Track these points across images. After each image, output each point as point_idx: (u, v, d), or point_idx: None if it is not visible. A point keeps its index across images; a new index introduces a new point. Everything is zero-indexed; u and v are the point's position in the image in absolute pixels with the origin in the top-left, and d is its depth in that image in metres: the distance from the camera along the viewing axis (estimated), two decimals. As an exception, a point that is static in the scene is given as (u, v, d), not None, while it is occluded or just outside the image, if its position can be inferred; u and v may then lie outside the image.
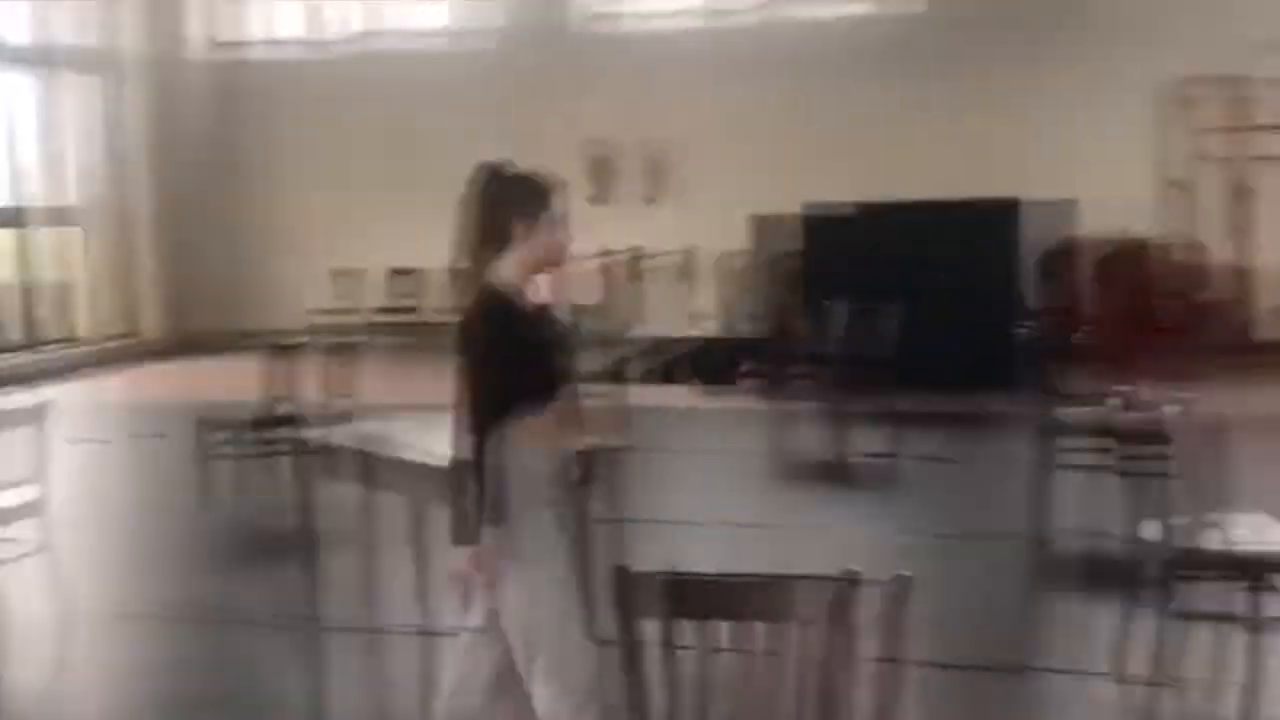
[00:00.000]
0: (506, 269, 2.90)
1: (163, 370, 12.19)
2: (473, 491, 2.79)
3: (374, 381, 6.37)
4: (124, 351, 12.76)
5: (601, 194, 12.56)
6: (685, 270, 11.97)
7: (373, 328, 12.97)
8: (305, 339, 7.04)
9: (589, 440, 3.39)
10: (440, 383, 3.12)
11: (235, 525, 6.22)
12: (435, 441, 3.31)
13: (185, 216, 13.74)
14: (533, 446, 2.83)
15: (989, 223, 9.17)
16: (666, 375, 10.52)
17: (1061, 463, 5.48)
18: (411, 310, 12.88)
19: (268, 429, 6.38)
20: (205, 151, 13.65)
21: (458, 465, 2.87)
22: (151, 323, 13.40)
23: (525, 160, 2.99)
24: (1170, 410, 3.62)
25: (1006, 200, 9.24)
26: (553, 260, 2.99)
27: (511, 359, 2.83)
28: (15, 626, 4.56)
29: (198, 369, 12.05)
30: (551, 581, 2.87)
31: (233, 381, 7.99)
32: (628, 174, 12.61)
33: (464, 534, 2.84)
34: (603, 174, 12.57)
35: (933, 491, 6.55)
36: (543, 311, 3.02)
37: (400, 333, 12.85)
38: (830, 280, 8.84)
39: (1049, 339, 9.10)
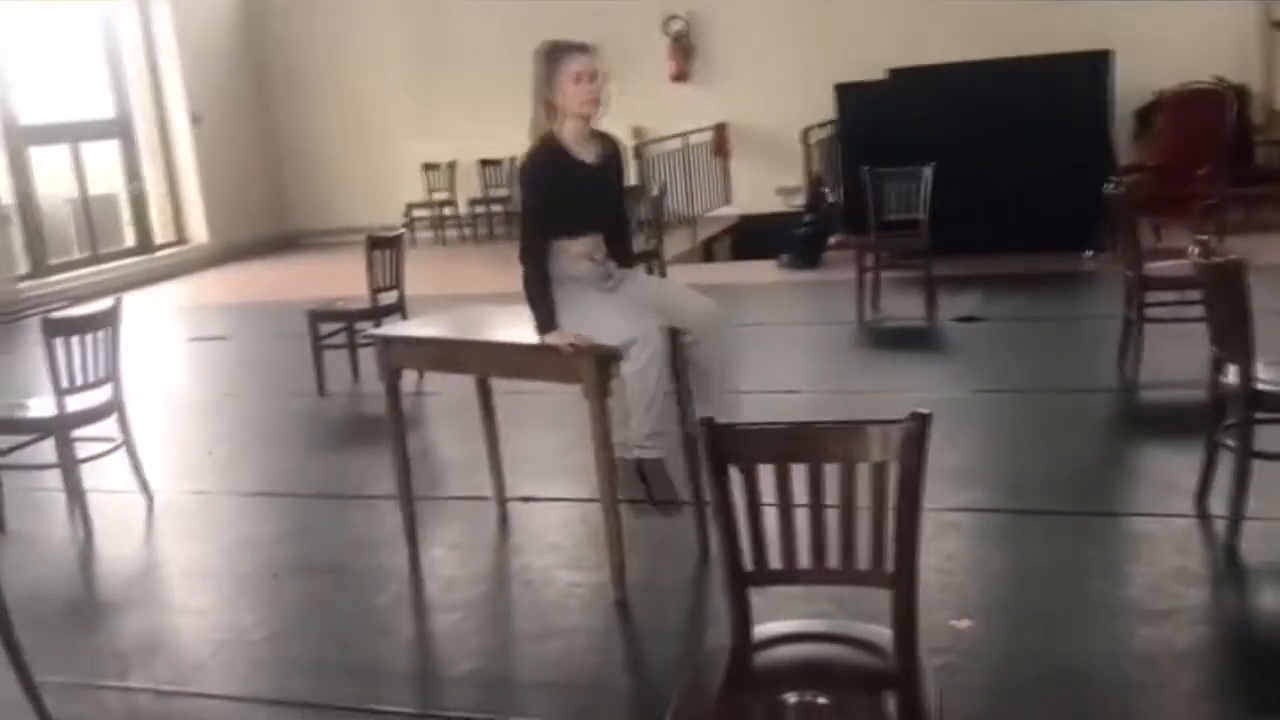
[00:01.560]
0: (563, 130, 3.63)
1: (267, 269, 12.64)
2: (540, 298, 3.61)
3: (468, 268, 6.59)
4: (231, 251, 13.24)
5: (683, 71, 12.52)
6: (773, 144, 11.90)
7: (468, 219, 13.27)
8: (401, 230, 7.27)
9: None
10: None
11: (344, 410, 6.64)
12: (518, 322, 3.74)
13: (280, 125, 14.12)
14: (573, 265, 3.67)
15: (1080, 76, 8.93)
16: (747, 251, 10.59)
17: (1149, 316, 5.52)
18: (505, 200, 13.06)
19: (373, 319, 6.71)
20: (283, 57, 13.88)
21: (528, 279, 3.66)
22: (259, 224, 13.82)
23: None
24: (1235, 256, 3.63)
25: (1098, 53, 8.98)
26: (583, 109, 3.63)
27: (547, 196, 3.61)
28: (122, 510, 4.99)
29: (304, 266, 12.49)
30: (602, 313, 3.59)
31: (342, 275, 8.35)
32: (704, 51, 12.51)
33: (543, 326, 3.62)
34: (683, 51, 12.49)
35: (1021, 351, 6.59)
36: (584, 164, 3.67)
37: (495, 222, 13.13)
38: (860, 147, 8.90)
39: (1140, 194, 8.96)
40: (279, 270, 12.55)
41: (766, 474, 2.35)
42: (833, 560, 2.38)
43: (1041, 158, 8.79)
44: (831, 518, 2.33)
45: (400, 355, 4.10)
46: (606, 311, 3.63)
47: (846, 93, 9.97)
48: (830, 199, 9.87)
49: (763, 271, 9.71)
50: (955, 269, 7.97)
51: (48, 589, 4.26)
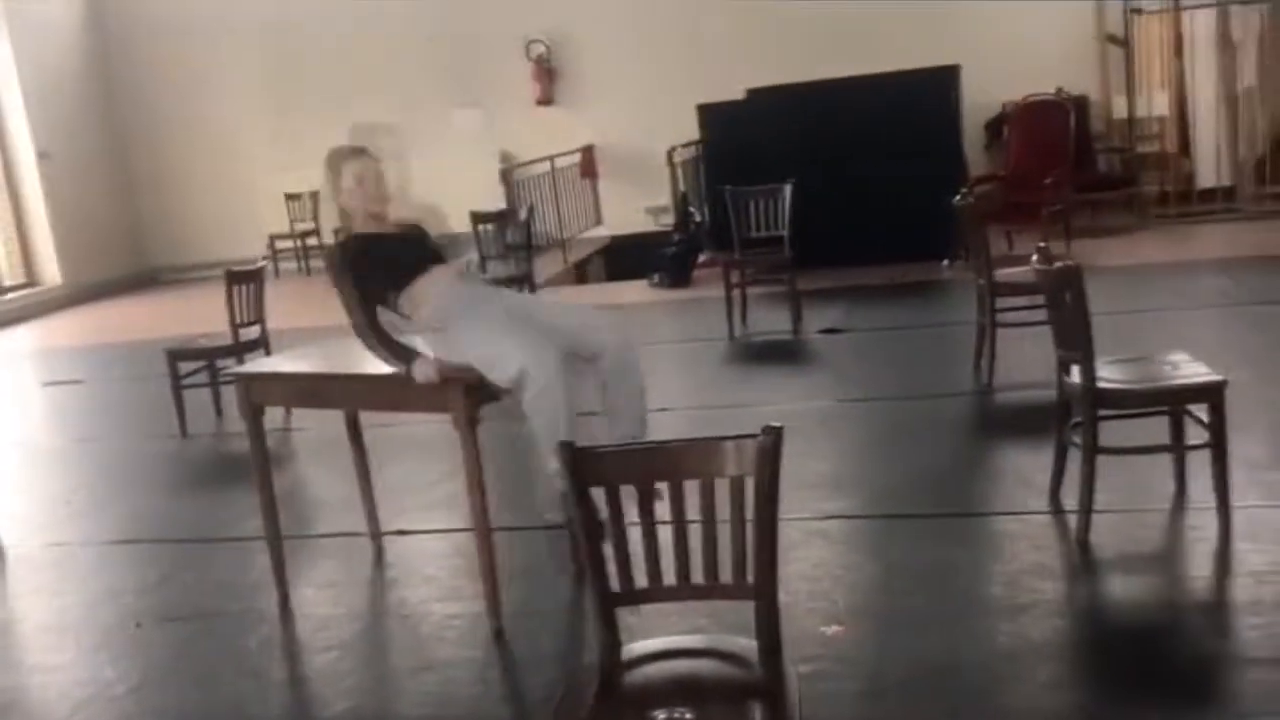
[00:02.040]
0: (360, 228, 3.85)
1: (123, 307, 12.22)
2: (387, 346, 3.67)
3: (333, 299, 6.48)
4: (85, 291, 12.77)
5: (547, 94, 12.57)
6: (640, 165, 12.02)
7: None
8: (262, 264, 7.12)
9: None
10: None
11: (207, 451, 6.46)
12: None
13: (134, 159, 13.71)
14: (414, 314, 3.75)
15: (930, 90, 9.25)
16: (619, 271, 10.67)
17: (1001, 321, 5.74)
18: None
19: (235, 355, 6.55)
20: (134, 89, 13.50)
21: (370, 346, 3.72)
22: (114, 262, 13.36)
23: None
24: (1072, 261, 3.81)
25: (946, 68, 9.32)
26: (359, 210, 3.84)
27: (360, 278, 3.75)
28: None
29: (162, 304, 12.12)
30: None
31: (203, 311, 8.13)
32: (567, 74, 12.59)
33: (404, 363, 3.61)
34: (546, 74, 12.54)
35: (883, 359, 6.78)
36: (388, 235, 3.85)
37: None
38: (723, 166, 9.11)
39: (990, 203, 9.31)
40: (137, 309, 12.15)
41: (629, 493, 2.38)
42: (697, 575, 2.42)
43: (897, 171, 9.07)
44: (694, 534, 2.37)
45: (263, 392, 4.02)
46: (491, 337, 3.57)
47: (708, 112, 10.13)
48: (697, 218, 10.01)
49: (635, 291, 9.79)
50: (819, 282, 8.17)
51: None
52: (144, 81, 13.51)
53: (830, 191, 8.66)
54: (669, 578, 2.42)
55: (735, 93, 9.91)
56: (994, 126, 10.96)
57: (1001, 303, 5.76)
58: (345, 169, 3.84)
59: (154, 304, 12.30)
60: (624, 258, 11.94)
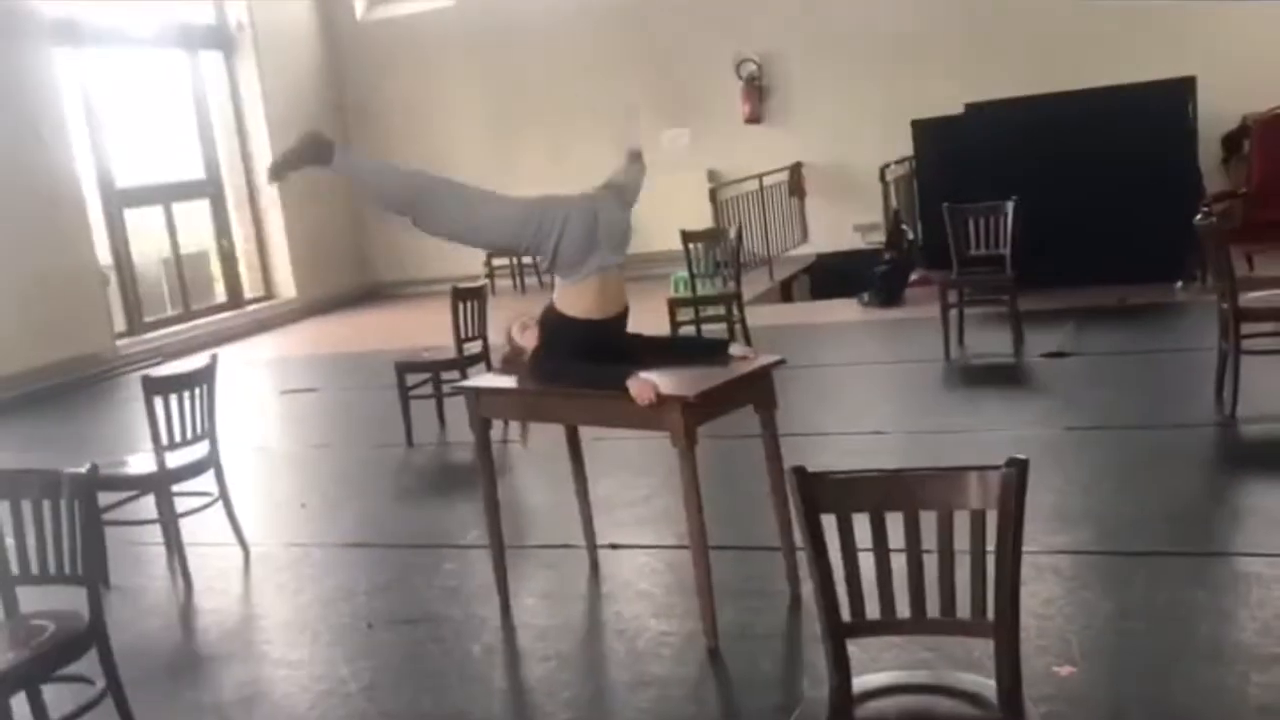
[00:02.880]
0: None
1: (352, 320, 12.88)
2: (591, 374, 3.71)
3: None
4: (317, 304, 13.53)
5: (756, 113, 12.57)
6: (849, 182, 11.89)
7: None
8: (484, 282, 7.37)
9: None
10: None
11: (432, 459, 6.73)
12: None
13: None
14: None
15: (1163, 104, 8.78)
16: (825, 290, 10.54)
17: (1246, 348, 5.38)
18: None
19: (459, 369, 6.81)
20: (364, 113, 14.23)
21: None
22: (343, 277, 14.12)
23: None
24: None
25: (1181, 80, 8.83)
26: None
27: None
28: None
29: (386, 317, 12.73)
30: None
31: (425, 325, 8.48)
32: (777, 92, 12.56)
33: (617, 384, 3.62)
34: (756, 93, 12.55)
35: (1113, 386, 6.44)
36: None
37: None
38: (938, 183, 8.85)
39: (1231, 223, 8.76)
40: (363, 321, 12.79)
41: (860, 521, 2.34)
42: (932, 609, 2.35)
43: (1126, 188, 8.66)
44: (929, 566, 2.31)
45: (490, 405, 4.15)
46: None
47: (923, 129, 9.93)
48: (910, 235, 9.80)
49: (844, 310, 9.66)
50: (1041, 303, 7.86)
51: (150, 642, 4.37)
52: (373, 107, 14.23)
53: (1054, 209, 8.33)
54: (901, 610, 2.37)
55: (951, 108, 9.69)
56: (1232, 141, 10.31)
57: (1247, 328, 5.40)
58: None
59: (379, 317, 12.92)
60: (830, 276, 11.81)
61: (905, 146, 10.30)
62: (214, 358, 5.16)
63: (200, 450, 5.05)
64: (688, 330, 8.07)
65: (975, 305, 7.69)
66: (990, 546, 2.26)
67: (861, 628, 2.39)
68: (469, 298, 6.96)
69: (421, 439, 6.88)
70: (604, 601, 4.36)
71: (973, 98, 9.63)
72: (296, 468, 7.01)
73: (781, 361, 3.91)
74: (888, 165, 10.43)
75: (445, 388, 6.93)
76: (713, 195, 10.82)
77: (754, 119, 12.56)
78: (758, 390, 3.84)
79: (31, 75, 10.68)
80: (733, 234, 8.19)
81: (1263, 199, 8.49)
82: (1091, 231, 8.71)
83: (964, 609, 2.31)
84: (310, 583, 4.90)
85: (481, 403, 4.15)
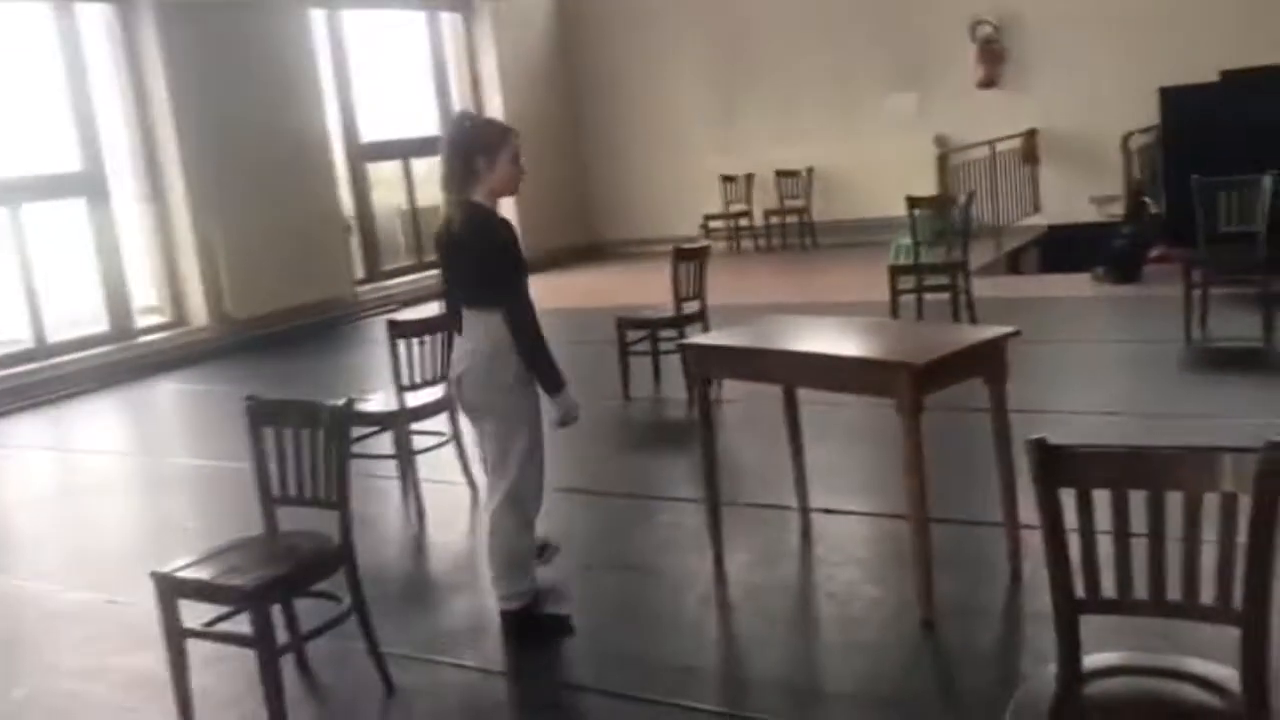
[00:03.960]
0: (477, 194, 3.69)
1: (574, 276, 13.23)
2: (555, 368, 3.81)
3: (762, 280, 6.65)
4: (542, 259, 13.95)
5: (990, 76, 12.15)
6: (1087, 151, 11.36)
7: (762, 230, 13.40)
8: (706, 244, 7.44)
9: None
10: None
11: (647, 414, 6.87)
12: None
13: (589, 139, 14.78)
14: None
15: None
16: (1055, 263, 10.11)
17: None
18: (800, 210, 13.12)
19: (676, 328, 6.93)
20: (593, 72, 14.48)
21: (542, 343, 3.79)
22: (568, 233, 14.49)
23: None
24: None
25: None
26: (507, 190, 3.78)
27: (516, 253, 3.69)
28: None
29: (607, 275, 13.00)
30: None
31: (642, 284, 8.63)
32: (1014, 55, 12.08)
33: (559, 385, 3.84)
34: (991, 56, 12.11)
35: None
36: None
37: (789, 232, 13.22)
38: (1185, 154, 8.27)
39: None
40: (586, 279, 13.10)
41: (1099, 499, 2.27)
42: (1173, 592, 2.27)
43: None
44: (1172, 548, 2.22)
45: (710, 363, 4.21)
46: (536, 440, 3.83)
47: (1172, 96, 9.39)
48: (1152, 209, 9.30)
49: (1076, 284, 9.26)
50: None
51: (387, 569, 4.66)
52: (602, 67, 14.49)
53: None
54: (1139, 591, 2.30)
55: (1203, 75, 9.12)
56: None
57: None
58: (507, 145, 3.73)
59: (600, 275, 13.21)
60: (1062, 248, 11.35)
61: (1150, 115, 9.77)
62: (452, 305, 5.41)
63: (436, 392, 5.33)
64: (909, 299, 7.91)
65: (1222, 285, 7.23)
66: (1240, 533, 2.17)
67: (1095, 605, 2.32)
68: (690, 258, 7.04)
69: (637, 393, 7.03)
70: (816, 564, 4.38)
71: (1228, 64, 9.03)
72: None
73: (1016, 333, 3.81)
74: (1130, 134, 9.92)
75: (662, 345, 7.05)
76: (941, 161, 10.55)
77: (987, 83, 12.15)
78: (988, 362, 3.76)
79: (290, 35, 11.37)
80: (963, 200, 7.95)
81: None
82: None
83: (1210, 595, 2.23)
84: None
85: (702, 360, 4.21)
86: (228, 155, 10.50)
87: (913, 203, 8.10)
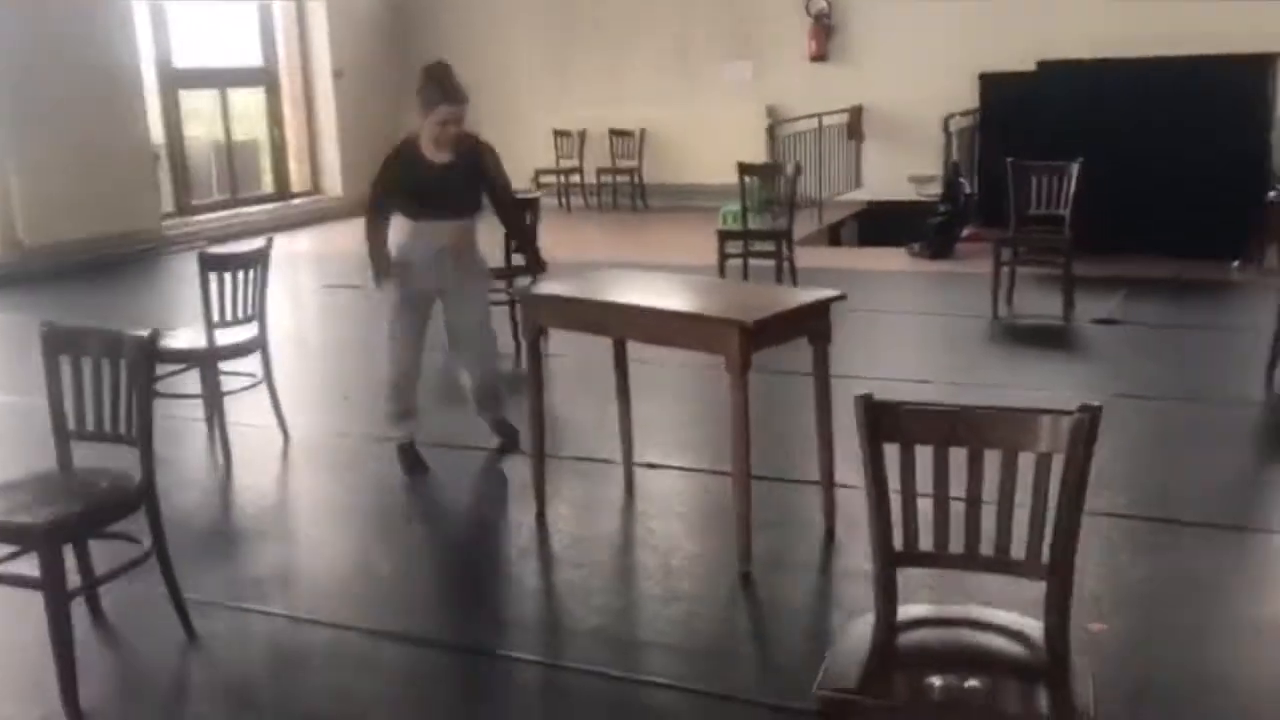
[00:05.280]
0: (421, 138, 4.65)
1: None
2: (374, 251, 4.80)
3: (593, 235, 6.60)
4: (362, 205, 13.51)
5: (821, 51, 12.38)
6: (909, 130, 11.71)
7: (593, 188, 13.35)
8: (538, 194, 7.34)
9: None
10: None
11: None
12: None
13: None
14: (409, 240, 4.75)
15: (1242, 79, 8.60)
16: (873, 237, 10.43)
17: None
18: (631, 170, 13.11)
19: (506, 279, 6.80)
20: (423, 21, 14.10)
21: (367, 233, 4.84)
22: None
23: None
24: None
25: (1264, 56, 8.62)
26: (432, 144, 4.64)
27: (391, 179, 4.68)
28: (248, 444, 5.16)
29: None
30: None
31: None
32: (845, 31, 12.35)
33: (376, 276, 4.78)
34: (823, 31, 12.34)
35: (1163, 358, 6.38)
36: (431, 163, 4.65)
37: (620, 192, 13.21)
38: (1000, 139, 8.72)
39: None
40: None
41: (921, 455, 2.33)
42: (986, 547, 2.35)
43: (1194, 162, 8.52)
44: (986, 510, 2.30)
45: (547, 314, 4.15)
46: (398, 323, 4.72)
47: (992, 83, 9.76)
48: (967, 189, 9.68)
49: (893, 259, 9.58)
50: (1095, 269, 7.76)
51: (189, 512, 4.43)
52: (435, 16, 14.08)
53: (1118, 176, 8.19)
54: (955, 545, 2.37)
55: (1021, 63, 9.49)
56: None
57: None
58: (440, 108, 4.57)
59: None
60: (879, 224, 11.70)
61: (971, 99, 10.13)
62: (269, 241, 5.17)
63: (249, 331, 5.09)
64: (735, 264, 8.01)
65: (1028, 265, 7.60)
66: (1052, 494, 2.26)
67: (913, 558, 2.39)
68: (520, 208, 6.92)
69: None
70: (638, 518, 4.40)
71: (1046, 55, 9.44)
72: (338, 360, 7.05)
73: (842, 297, 3.89)
74: (952, 116, 10.27)
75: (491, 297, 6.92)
76: (771, 131, 10.70)
77: (819, 57, 12.38)
78: (814, 323, 3.83)
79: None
80: (790, 170, 8.09)
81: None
82: (1152, 202, 8.59)
83: (1020, 551, 2.31)
84: (348, 471, 4.96)
85: (537, 312, 4.14)
86: (20, 74, 9.76)
87: (743, 169, 8.19)
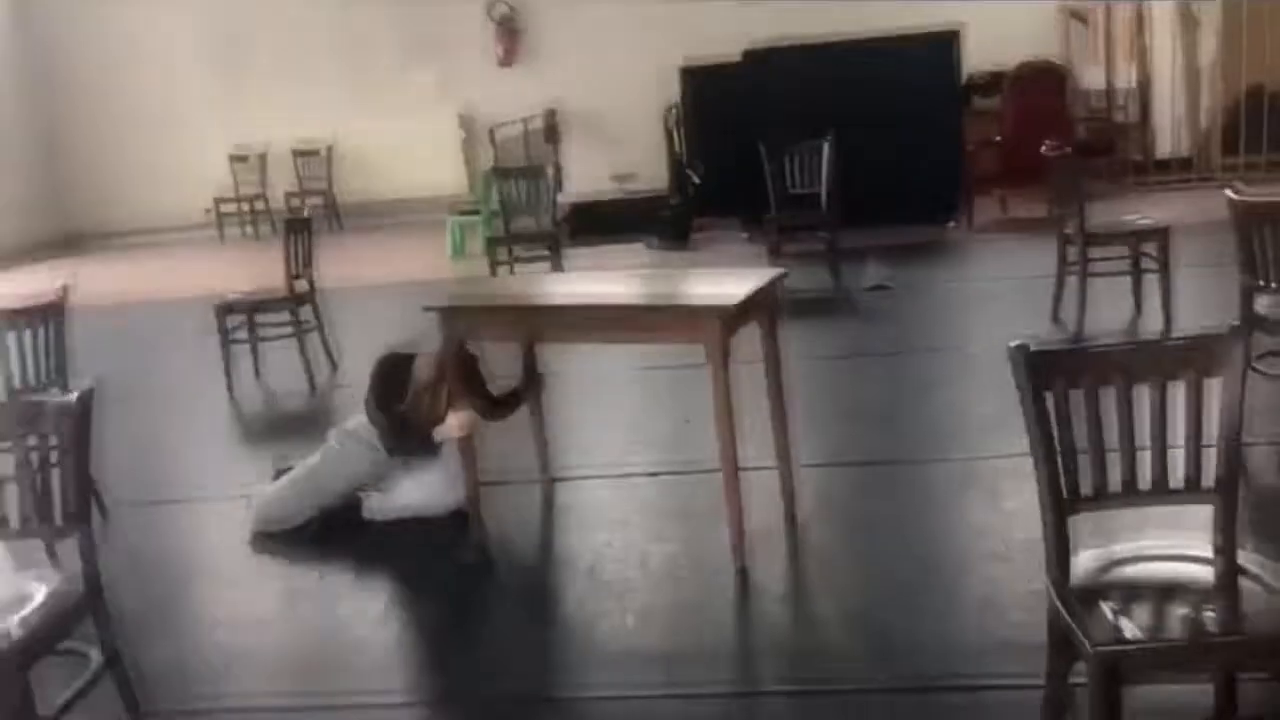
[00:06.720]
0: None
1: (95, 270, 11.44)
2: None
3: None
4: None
5: (510, 56, 12.29)
6: (608, 129, 11.86)
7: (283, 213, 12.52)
8: (309, 216, 6.81)
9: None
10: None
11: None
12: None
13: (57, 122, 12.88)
14: None
15: (931, 54, 9.38)
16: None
17: (1091, 271, 5.89)
18: (322, 193, 12.40)
19: (285, 309, 6.25)
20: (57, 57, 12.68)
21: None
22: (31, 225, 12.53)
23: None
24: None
25: (947, 32, 9.45)
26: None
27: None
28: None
29: (95, 267, 11.40)
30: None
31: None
32: (533, 34, 12.33)
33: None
34: (509, 35, 12.26)
35: (955, 312, 6.92)
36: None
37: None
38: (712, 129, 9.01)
39: (988, 167, 9.56)
40: (101, 269, 11.30)
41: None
42: (1143, 484, 2.41)
43: (896, 135, 9.14)
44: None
45: (471, 325, 3.81)
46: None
47: (693, 76, 10.04)
48: (695, 179, 9.93)
49: (633, 252, 9.65)
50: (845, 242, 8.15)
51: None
52: (66, 51, 12.73)
53: (838, 157, 8.66)
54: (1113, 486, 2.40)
55: (724, 47, 9.66)
56: (974, 90, 10.89)
57: (1073, 254, 5.90)
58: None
59: (113, 265, 11.59)
60: (591, 223, 11.72)
61: (677, 91, 10.34)
62: None
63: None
64: (505, 270, 7.77)
65: (794, 243, 7.83)
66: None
67: (1083, 502, 2.39)
68: (299, 230, 6.38)
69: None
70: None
71: (745, 34, 9.69)
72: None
73: (784, 274, 3.86)
74: (671, 108, 10.46)
75: (273, 331, 6.33)
76: (466, 141, 10.41)
77: (508, 62, 12.27)
78: (771, 300, 3.77)
79: None
80: (551, 172, 7.98)
81: (1016, 146, 9.21)
82: (864, 176, 9.14)
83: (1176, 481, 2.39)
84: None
85: (458, 322, 3.79)
86: None
87: (500, 174, 7.98)
